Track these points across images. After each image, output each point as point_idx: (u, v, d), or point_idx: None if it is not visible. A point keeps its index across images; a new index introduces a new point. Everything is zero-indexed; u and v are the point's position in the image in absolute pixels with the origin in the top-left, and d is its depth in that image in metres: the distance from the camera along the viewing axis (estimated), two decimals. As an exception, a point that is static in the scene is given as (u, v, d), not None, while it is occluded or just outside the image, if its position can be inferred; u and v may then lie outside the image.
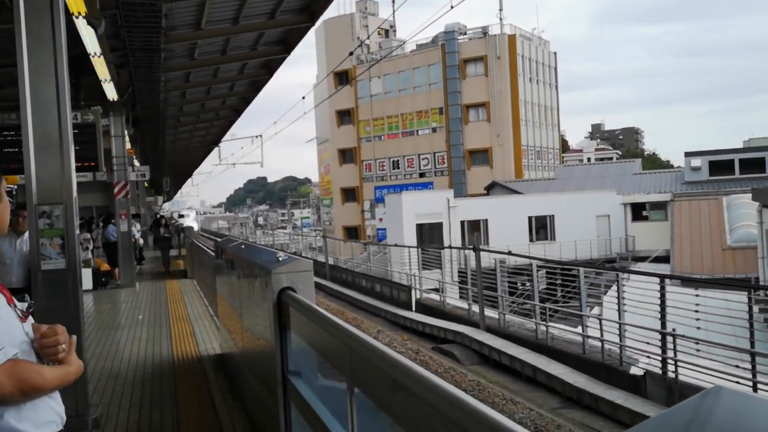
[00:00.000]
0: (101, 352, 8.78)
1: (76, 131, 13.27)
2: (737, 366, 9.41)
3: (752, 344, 9.58)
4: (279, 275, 3.80)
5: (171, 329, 10.25)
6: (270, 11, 13.83)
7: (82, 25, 8.89)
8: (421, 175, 58.92)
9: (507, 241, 29.91)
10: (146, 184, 37.32)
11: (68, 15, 7.92)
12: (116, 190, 16.95)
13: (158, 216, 24.96)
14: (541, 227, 37.46)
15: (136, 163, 24.46)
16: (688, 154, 42.78)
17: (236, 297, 5.78)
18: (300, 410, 3.40)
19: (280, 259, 4.00)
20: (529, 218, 37.21)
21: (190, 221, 55.74)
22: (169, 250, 23.95)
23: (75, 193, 5.81)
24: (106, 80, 12.55)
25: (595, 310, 13.69)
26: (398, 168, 60.42)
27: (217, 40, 15.09)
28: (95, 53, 10.42)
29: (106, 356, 8.52)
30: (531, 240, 36.28)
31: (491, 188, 47.42)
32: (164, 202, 72.99)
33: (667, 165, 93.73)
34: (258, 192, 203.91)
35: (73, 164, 5.78)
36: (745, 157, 41.10)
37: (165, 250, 23.58)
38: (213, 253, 8.92)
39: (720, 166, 40.57)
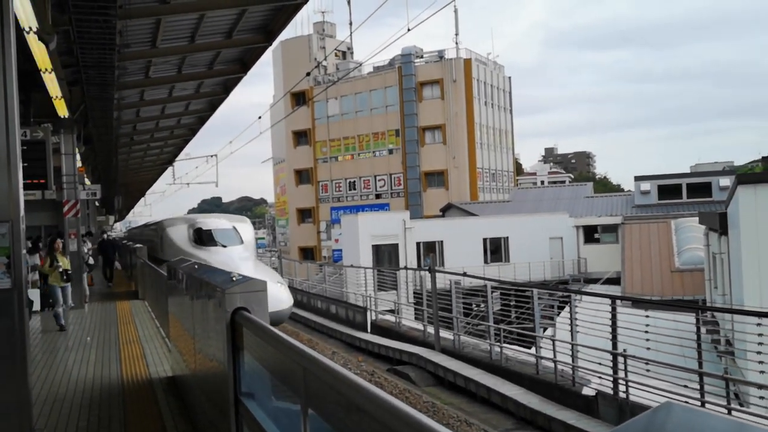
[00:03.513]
0: (47, 375, 8.53)
1: (24, 148, 13.00)
2: (686, 386, 9.58)
3: (700, 364, 9.77)
4: (233, 295, 3.76)
5: (121, 351, 10.02)
6: (227, 30, 13.79)
7: (33, 40, 8.73)
8: (378, 196, 59.06)
9: (462, 262, 30.08)
10: (97, 203, 36.61)
11: (19, 29, 7.77)
12: (66, 209, 16.57)
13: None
14: (496, 249, 37.82)
15: (87, 181, 23.96)
16: (637, 178, 43.77)
17: (189, 318, 5.68)
18: (253, 433, 3.35)
19: (234, 278, 3.96)
20: (484, 240, 37.54)
21: (250, 267, 16.71)
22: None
23: (22, 212, 5.65)
24: (57, 97, 12.31)
25: (549, 332, 13.83)
26: (354, 189, 60.47)
27: (173, 58, 14.98)
28: (46, 69, 10.23)
29: (52, 379, 8.28)
30: (486, 261, 36.57)
31: (447, 210, 47.76)
32: (116, 221, 71.65)
33: (617, 188, 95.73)
34: (212, 212, 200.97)
35: (21, 182, 5.63)
36: (693, 181, 42.26)
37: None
38: (165, 274, 8.77)
39: (668, 190, 41.60)
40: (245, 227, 19.40)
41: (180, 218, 20.51)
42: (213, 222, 18.83)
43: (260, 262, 18.42)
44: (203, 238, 17.93)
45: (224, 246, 17.21)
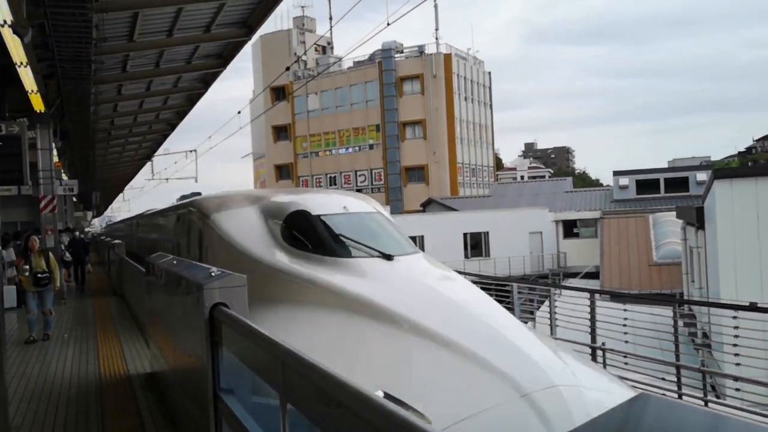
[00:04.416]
0: (24, 372, 8.43)
1: (0, 143, 12.85)
2: (663, 378, 9.69)
3: (677, 357, 9.88)
4: (212, 290, 3.73)
5: (98, 347, 9.93)
6: (206, 24, 13.69)
7: (7, 33, 8.60)
8: (358, 191, 59.07)
9: (443, 257, 30.08)
10: (75, 199, 36.22)
11: (-7, 22, 7.66)
12: (42, 204, 16.38)
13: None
14: (476, 243, 37.97)
15: (64, 177, 23.70)
16: (616, 173, 44.17)
17: (167, 313, 5.64)
18: (232, 429, 3.33)
19: (213, 274, 3.93)
20: (464, 235, 37.67)
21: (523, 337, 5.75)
22: None
23: (-3, 207, 5.58)
24: (32, 91, 12.15)
25: (529, 325, 13.90)
26: (335, 184, 60.39)
27: (151, 52, 14.85)
28: (21, 63, 10.10)
29: (29, 376, 8.18)
30: (466, 256, 36.70)
31: (427, 205, 47.85)
32: (94, 217, 70.96)
33: (596, 183, 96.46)
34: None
35: (-4, 176, 5.56)
36: (670, 176, 42.75)
37: None
38: (143, 270, 8.70)
39: (646, 184, 42.02)
40: (385, 215, 8.41)
41: (236, 195, 8.91)
42: (323, 200, 7.89)
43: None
44: (319, 235, 7.07)
45: (387, 257, 6.72)
